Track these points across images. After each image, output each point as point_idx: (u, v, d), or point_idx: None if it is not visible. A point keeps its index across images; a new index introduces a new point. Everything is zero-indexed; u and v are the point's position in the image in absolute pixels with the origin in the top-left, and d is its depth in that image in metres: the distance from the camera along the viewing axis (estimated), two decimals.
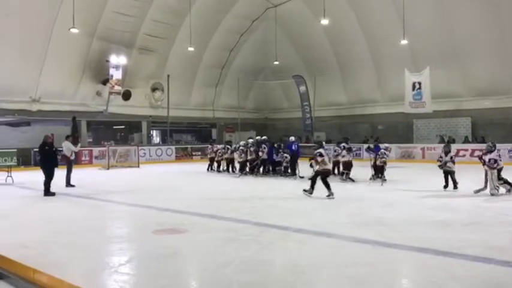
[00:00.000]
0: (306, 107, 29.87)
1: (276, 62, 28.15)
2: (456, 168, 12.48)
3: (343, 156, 15.24)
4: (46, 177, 12.09)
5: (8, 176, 15.41)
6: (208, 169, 19.87)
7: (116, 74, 24.69)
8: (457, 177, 12.28)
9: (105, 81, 24.88)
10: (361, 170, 15.91)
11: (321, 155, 10.90)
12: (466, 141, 23.86)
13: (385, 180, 13.99)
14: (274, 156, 17.06)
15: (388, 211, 9.28)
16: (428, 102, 23.74)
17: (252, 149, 17.20)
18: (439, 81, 23.31)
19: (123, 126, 31.14)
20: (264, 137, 18.65)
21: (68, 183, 13.95)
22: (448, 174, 12.37)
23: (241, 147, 17.86)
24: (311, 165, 11.40)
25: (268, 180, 15.93)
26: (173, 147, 28.09)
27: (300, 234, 7.19)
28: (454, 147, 22.77)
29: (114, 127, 31.04)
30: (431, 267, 5.41)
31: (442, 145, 14.61)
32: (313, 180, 11.04)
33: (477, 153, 21.97)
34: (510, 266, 5.38)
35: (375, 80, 27.96)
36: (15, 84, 21.53)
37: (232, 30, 29.13)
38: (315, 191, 10.97)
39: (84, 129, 25.74)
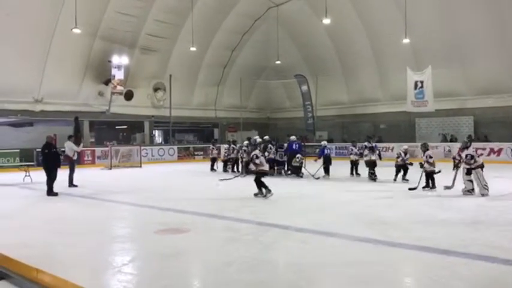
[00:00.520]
0: (308, 107, 29.76)
1: (278, 62, 28.16)
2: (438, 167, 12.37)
3: (365, 156, 15.03)
4: (48, 177, 12.13)
5: (26, 176, 15.46)
6: (211, 169, 19.87)
7: (118, 74, 24.74)
8: (458, 175, 12.25)
9: (107, 82, 24.93)
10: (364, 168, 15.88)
11: (257, 157, 10.97)
12: (469, 139, 23.79)
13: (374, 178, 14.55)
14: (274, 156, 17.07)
15: (390, 210, 9.26)
16: (431, 101, 23.69)
17: (248, 149, 17.02)
18: (441, 80, 23.26)
19: (125, 126, 31.19)
20: (265, 137, 18.65)
21: (71, 183, 13.97)
22: (427, 174, 12.28)
23: (244, 147, 17.84)
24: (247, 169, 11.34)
25: (270, 180, 15.89)
26: (175, 147, 28.12)
27: (302, 233, 7.19)
28: (456, 146, 22.92)
29: (117, 127, 31.11)
30: (433, 266, 5.41)
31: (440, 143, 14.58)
32: (258, 183, 11.02)
33: (480, 151, 21.99)
34: None
35: (377, 79, 27.93)
36: (17, 84, 21.59)
37: (234, 30, 29.13)
38: (321, 191, 10.93)
39: (87, 130, 25.78)
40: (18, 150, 21.05)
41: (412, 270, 5.60)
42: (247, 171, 17.12)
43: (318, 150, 17.24)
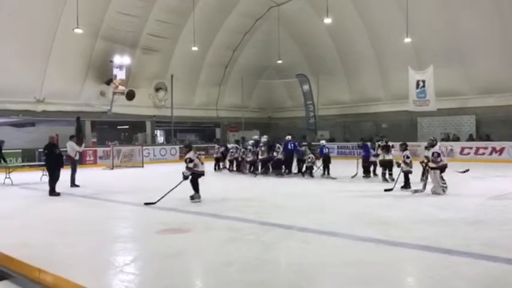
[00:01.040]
0: (310, 106, 29.85)
1: (280, 61, 28.16)
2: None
3: (377, 156, 14.58)
4: (50, 177, 12.17)
5: (43, 175, 15.53)
6: (215, 169, 19.83)
7: (120, 74, 24.77)
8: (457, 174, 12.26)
9: (109, 82, 24.96)
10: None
11: (190, 160, 10.71)
12: (470, 139, 23.78)
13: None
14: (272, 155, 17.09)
15: (392, 210, 9.26)
16: (432, 100, 23.67)
17: (263, 148, 16.96)
18: (443, 79, 23.22)
19: (127, 126, 31.24)
20: (264, 136, 18.71)
21: (73, 183, 14.00)
22: (404, 173, 12.22)
23: (249, 147, 17.78)
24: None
25: (272, 179, 15.92)
26: (177, 147, 28.10)
27: (304, 233, 7.19)
28: (458, 145, 22.94)
29: (118, 127, 31.15)
30: (435, 265, 5.40)
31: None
32: (194, 185, 10.79)
33: (481, 151, 22.06)
34: None
35: (379, 79, 27.90)
36: (19, 84, 21.63)
37: (236, 30, 29.14)
38: (322, 191, 10.92)
39: (89, 130, 25.80)
40: (20, 151, 21.09)
41: (413, 270, 5.60)
42: (257, 171, 17.10)
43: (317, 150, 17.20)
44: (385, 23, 24.78)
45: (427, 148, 11.50)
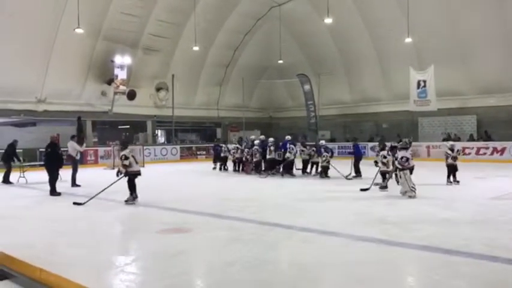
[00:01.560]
0: (311, 106, 29.80)
1: (280, 61, 28.13)
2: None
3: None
4: (50, 177, 12.19)
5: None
6: (220, 168, 19.78)
7: (121, 74, 24.76)
8: (459, 174, 12.25)
9: (110, 81, 24.96)
10: (367, 168, 15.87)
11: (126, 157, 10.44)
12: (471, 139, 23.75)
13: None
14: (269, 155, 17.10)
15: (393, 210, 9.25)
16: (433, 100, 23.67)
17: (271, 148, 16.77)
18: (444, 79, 23.22)
19: (128, 126, 31.23)
20: (261, 137, 18.72)
21: (74, 183, 14.02)
22: (382, 173, 12.26)
23: (255, 147, 17.74)
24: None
25: (273, 179, 15.92)
26: (178, 147, 28.16)
27: (305, 233, 7.20)
28: (459, 145, 22.86)
29: (119, 127, 31.14)
30: (436, 265, 5.41)
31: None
32: (130, 186, 10.55)
33: (482, 150, 22.05)
34: None
35: (380, 79, 27.89)
36: (20, 84, 21.64)
37: (237, 30, 29.14)
38: (323, 191, 10.89)
39: (90, 129, 25.82)
40: (21, 150, 21.04)
41: (413, 270, 5.61)
42: (268, 172, 17.03)
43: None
44: (386, 22, 24.77)
45: (399, 149, 11.44)
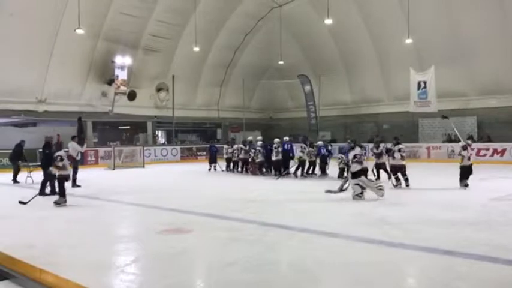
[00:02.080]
0: (311, 107, 29.83)
1: (281, 62, 28.11)
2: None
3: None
4: (44, 177, 12.25)
5: (28, 176, 15.60)
6: (226, 169, 19.69)
7: (121, 75, 24.77)
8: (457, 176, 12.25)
9: (110, 82, 24.97)
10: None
11: (61, 159, 10.24)
12: (470, 139, 23.61)
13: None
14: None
15: (393, 210, 9.24)
16: (434, 101, 23.64)
17: (279, 149, 16.56)
18: (444, 80, 23.20)
19: (128, 127, 31.25)
20: (259, 138, 18.68)
21: (74, 184, 14.02)
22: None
23: (258, 148, 17.70)
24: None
25: (272, 180, 15.91)
26: (178, 148, 28.17)
27: (305, 233, 7.19)
28: (459, 146, 22.84)
29: (120, 127, 31.16)
30: (437, 266, 5.40)
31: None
32: (60, 188, 10.39)
33: (483, 152, 22.03)
34: None
35: (380, 79, 27.88)
36: (21, 84, 21.65)
37: (237, 30, 29.14)
38: (322, 191, 10.85)
39: (90, 130, 25.84)
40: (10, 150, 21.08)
41: (414, 271, 5.59)
42: (278, 173, 16.92)
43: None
44: (387, 23, 24.77)
45: (347, 152, 11.44)
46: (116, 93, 25.01)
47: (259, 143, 18.04)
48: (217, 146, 21.38)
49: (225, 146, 20.29)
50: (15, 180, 15.91)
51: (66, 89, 23.72)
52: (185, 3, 24.79)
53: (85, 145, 16.30)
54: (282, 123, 34.76)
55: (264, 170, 17.63)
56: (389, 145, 13.82)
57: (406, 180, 12.78)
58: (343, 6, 24.48)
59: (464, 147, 12.51)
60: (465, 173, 12.29)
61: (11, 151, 17.06)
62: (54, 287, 4.79)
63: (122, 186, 14.91)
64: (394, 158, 12.92)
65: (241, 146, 18.90)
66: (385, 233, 7.03)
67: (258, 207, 9.86)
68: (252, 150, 17.99)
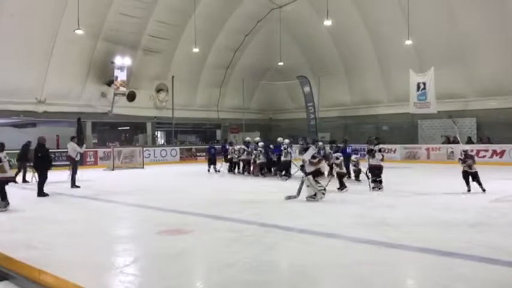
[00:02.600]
0: (311, 108, 29.84)
1: (281, 63, 28.14)
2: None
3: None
4: (39, 177, 12.29)
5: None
6: (229, 170, 19.51)
7: (121, 75, 24.77)
8: (457, 178, 12.25)
9: (110, 83, 24.96)
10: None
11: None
12: (469, 141, 23.63)
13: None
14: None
15: (393, 212, 9.25)
16: (433, 103, 23.64)
17: (288, 150, 16.29)
18: (444, 82, 23.21)
19: (127, 127, 31.24)
20: (257, 139, 18.68)
21: (73, 184, 14.02)
22: (337, 174, 12.38)
23: (259, 148, 17.67)
24: None
25: (273, 181, 15.90)
26: (177, 148, 28.14)
27: (305, 234, 7.18)
28: (458, 147, 22.86)
29: (119, 128, 31.15)
30: (436, 268, 5.39)
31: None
32: (0, 191, 9.86)
33: (482, 153, 22.03)
34: None
35: (380, 81, 27.90)
36: (20, 85, 21.63)
37: (237, 31, 29.15)
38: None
39: (89, 131, 25.84)
40: (16, 151, 21.07)
41: (414, 272, 5.59)
42: (286, 174, 16.87)
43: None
44: (387, 25, 24.78)
45: (300, 153, 11.41)
46: (115, 94, 25.01)
47: (261, 143, 17.99)
48: (216, 146, 21.26)
49: (230, 147, 20.09)
50: (25, 180, 16.13)
51: (65, 90, 23.71)
52: (185, 4, 24.81)
53: (84, 146, 16.34)
54: (281, 124, 34.77)
55: (266, 170, 17.58)
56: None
57: (380, 182, 12.53)
58: (343, 8, 24.52)
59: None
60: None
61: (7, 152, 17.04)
62: (53, 287, 4.78)
63: (121, 187, 14.90)
64: (374, 157, 12.71)
65: (243, 147, 18.82)
66: (385, 234, 7.03)
67: (257, 208, 9.85)
68: (255, 152, 17.96)
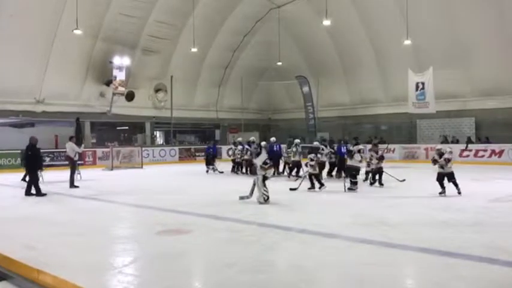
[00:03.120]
0: (309, 108, 29.86)
1: (279, 63, 28.15)
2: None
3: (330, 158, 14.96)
4: (30, 177, 12.24)
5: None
6: (232, 170, 19.33)
7: (120, 75, 24.74)
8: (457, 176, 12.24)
9: (108, 82, 24.94)
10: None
11: None
12: (469, 141, 23.70)
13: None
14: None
15: (392, 212, 9.25)
16: (432, 103, 23.66)
17: (299, 150, 16.00)
18: (442, 81, 23.24)
19: (126, 127, 31.22)
20: (251, 138, 18.67)
21: (72, 184, 13.99)
22: (308, 175, 12.45)
23: (253, 146, 17.61)
24: None
25: (271, 181, 15.84)
26: (176, 148, 28.12)
27: (304, 234, 7.18)
28: (457, 147, 22.94)
29: (118, 128, 31.13)
30: (435, 267, 5.39)
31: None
32: None
33: (481, 153, 22.07)
34: None
35: (378, 80, 27.91)
36: (19, 85, 21.59)
37: (236, 31, 29.15)
38: (321, 192, 10.81)
39: (88, 130, 25.81)
40: (19, 151, 21.04)
41: (413, 272, 5.59)
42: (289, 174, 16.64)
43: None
44: (385, 25, 24.80)
45: (254, 157, 11.50)
46: (114, 94, 24.98)
47: (263, 143, 17.85)
48: (211, 146, 21.16)
49: (232, 147, 19.89)
50: (24, 180, 15.88)
51: (64, 90, 23.67)
52: (183, 4, 24.80)
53: (83, 146, 16.29)
54: (280, 124, 34.79)
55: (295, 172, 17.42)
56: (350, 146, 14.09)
57: (355, 184, 12.35)
58: (342, 8, 24.52)
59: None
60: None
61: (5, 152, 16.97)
62: (51, 287, 4.77)
63: (120, 186, 14.88)
64: (352, 158, 12.60)
65: (246, 146, 18.71)
66: (384, 234, 7.03)
67: (257, 208, 9.84)
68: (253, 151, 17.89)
